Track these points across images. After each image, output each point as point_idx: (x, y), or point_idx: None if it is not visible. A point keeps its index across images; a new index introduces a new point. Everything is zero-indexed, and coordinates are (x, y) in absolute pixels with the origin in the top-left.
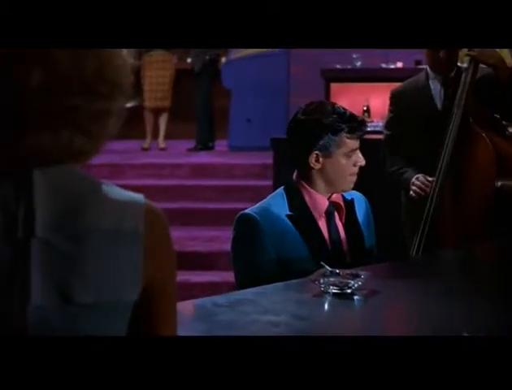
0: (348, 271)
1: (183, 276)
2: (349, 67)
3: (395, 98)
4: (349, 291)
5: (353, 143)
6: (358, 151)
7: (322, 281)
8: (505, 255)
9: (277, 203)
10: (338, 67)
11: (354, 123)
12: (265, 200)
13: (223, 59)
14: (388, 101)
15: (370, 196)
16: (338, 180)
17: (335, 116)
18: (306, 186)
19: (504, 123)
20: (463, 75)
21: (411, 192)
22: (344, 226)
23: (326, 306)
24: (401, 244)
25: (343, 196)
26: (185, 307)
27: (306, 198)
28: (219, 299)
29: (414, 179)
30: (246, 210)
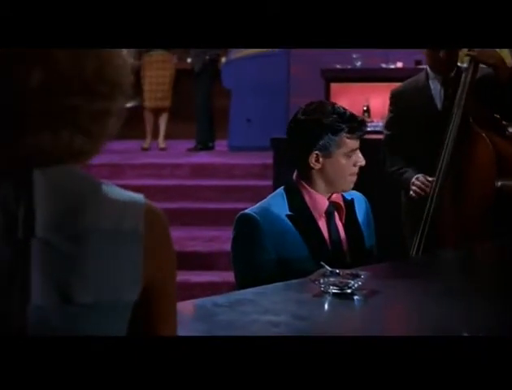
0: (348, 271)
1: (183, 276)
2: (349, 67)
3: (395, 98)
4: (349, 291)
5: (353, 143)
6: (358, 151)
7: (322, 281)
8: (505, 255)
9: (277, 203)
10: (338, 67)
11: (354, 123)
12: (265, 200)
13: (223, 59)
14: (388, 101)
15: (370, 196)
16: (338, 180)
17: (335, 116)
18: (306, 186)
19: (504, 123)
20: (463, 75)
21: (411, 192)
22: (344, 226)
23: (326, 306)
24: (401, 244)
25: (343, 196)
26: (185, 307)
27: (306, 198)
28: (219, 299)
29: (414, 180)
30: (246, 210)
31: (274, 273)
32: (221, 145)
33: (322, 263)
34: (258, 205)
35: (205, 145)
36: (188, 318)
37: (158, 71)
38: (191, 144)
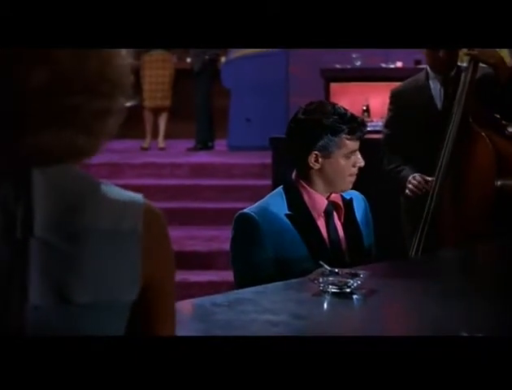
0: (347, 271)
1: (182, 276)
2: (349, 66)
3: (395, 98)
4: (348, 290)
5: (353, 144)
6: (358, 152)
7: (321, 280)
8: (505, 255)
9: (276, 202)
10: (338, 66)
11: (355, 124)
12: (264, 199)
13: (223, 59)
14: (387, 101)
15: (369, 195)
16: (337, 181)
17: (335, 117)
18: (305, 185)
19: (504, 122)
20: (463, 74)
21: (407, 191)
22: (343, 225)
23: (325, 306)
24: (401, 244)
25: (342, 195)
26: (184, 306)
27: (305, 198)
28: (218, 298)
29: (410, 178)
30: (245, 210)
31: (273, 272)
32: (220, 144)
33: (321, 262)
34: (256, 204)
35: (204, 144)
36: (187, 317)
37: (157, 70)
38: (190, 143)
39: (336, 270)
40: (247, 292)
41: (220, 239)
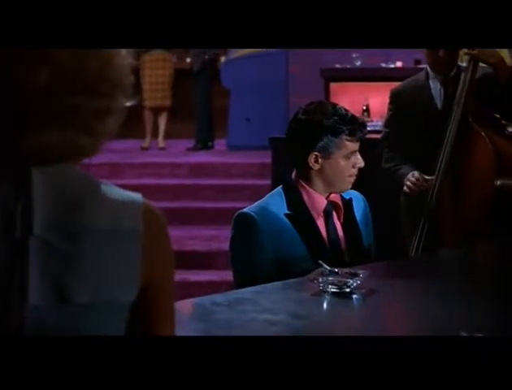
0: (346, 270)
1: (181, 275)
2: (349, 66)
3: (395, 97)
4: (347, 290)
5: (353, 145)
6: (358, 153)
7: (320, 280)
8: (505, 255)
9: (275, 202)
10: (338, 66)
11: (355, 125)
12: (263, 199)
13: (223, 59)
14: (387, 101)
15: (369, 195)
16: (337, 181)
17: (336, 118)
18: (305, 185)
19: (503, 122)
20: (463, 74)
21: (405, 188)
22: (343, 225)
23: (324, 305)
24: (401, 243)
25: (341, 195)
26: (184, 306)
27: (305, 197)
28: (218, 298)
29: (409, 176)
30: (244, 209)
31: (272, 272)
32: (220, 144)
33: (320, 262)
34: (256, 204)
35: (204, 144)
36: (187, 316)
37: (157, 70)
38: (190, 143)
39: (336, 270)
40: (246, 291)
41: (220, 238)
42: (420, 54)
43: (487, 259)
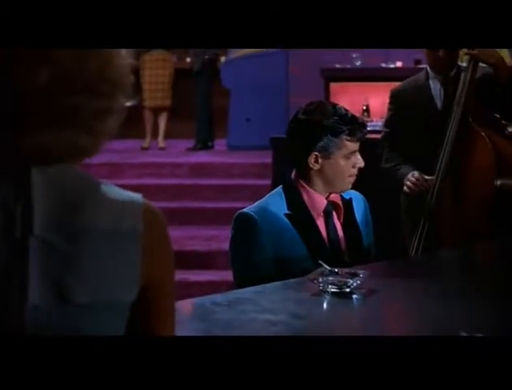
0: (346, 270)
1: (181, 275)
2: (349, 66)
3: (395, 97)
4: (347, 290)
5: (353, 145)
6: (358, 153)
7: (320, 280)
8: (505, 255)
9: (275, 202)
10: (338, 66)
11: (355, 126)
12: (263, 199)
13: (223, 59)
14: (387, 101)
15: (369, 195)
16: (337, 181)
17: (336, 118)
18: (305, 185)
19: (503, 122)
20: (463, 74)
21: (405, 188)
22: (343, 225)
23: (324, 305)
24: (401, 243)
25: (341, 195)
26: (184, 306)
27: (305, 197)
28: (218, 298)
29: (409, 176)
30: (244, 209)
31: (272, 272)
32: (220, 144)
33: (320, 262)
34: (256, 204)
35: (204, 144)
36: (187, 316)
37: (157, 70)
38: (190, 143)
39: (336, 270)
40: (246, 291)
41: (220, 238)
42: (420, 54)
43: (487, 259)
